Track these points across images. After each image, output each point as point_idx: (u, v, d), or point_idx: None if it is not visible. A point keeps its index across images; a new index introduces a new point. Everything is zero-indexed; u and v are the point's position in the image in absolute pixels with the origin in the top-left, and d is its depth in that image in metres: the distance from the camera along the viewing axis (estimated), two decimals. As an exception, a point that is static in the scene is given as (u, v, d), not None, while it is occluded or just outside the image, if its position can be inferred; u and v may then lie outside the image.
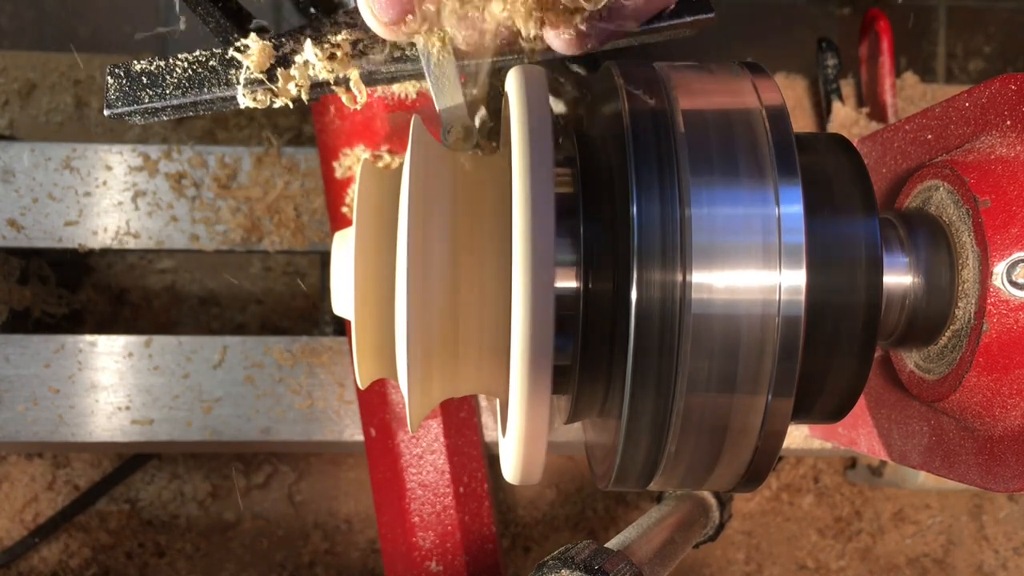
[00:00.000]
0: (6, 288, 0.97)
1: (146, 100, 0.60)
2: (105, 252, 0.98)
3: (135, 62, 0.60)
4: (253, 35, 0.59)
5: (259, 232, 0.94)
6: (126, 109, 0.60)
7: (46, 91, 1.12)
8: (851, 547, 1.17)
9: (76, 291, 1.11)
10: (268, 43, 0.59)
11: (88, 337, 0.91)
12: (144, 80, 0.60)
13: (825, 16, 1.40)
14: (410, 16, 0.51)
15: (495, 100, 0.58)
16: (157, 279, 1.14)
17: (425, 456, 0.85)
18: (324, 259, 1.04)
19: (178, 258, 1.15)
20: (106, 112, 0.60)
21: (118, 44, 1.30)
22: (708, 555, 1.16)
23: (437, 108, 0.57)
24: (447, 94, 0.56)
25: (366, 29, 0.57)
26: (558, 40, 0.51)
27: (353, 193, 0.82)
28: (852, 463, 1.16)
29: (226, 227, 0.93)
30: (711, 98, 0.50)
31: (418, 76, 0.61)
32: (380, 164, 0.82)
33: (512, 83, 0.49)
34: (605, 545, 0.55)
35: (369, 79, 0.61)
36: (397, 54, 0.59)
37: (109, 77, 0.60)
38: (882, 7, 1.07)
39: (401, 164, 0.55)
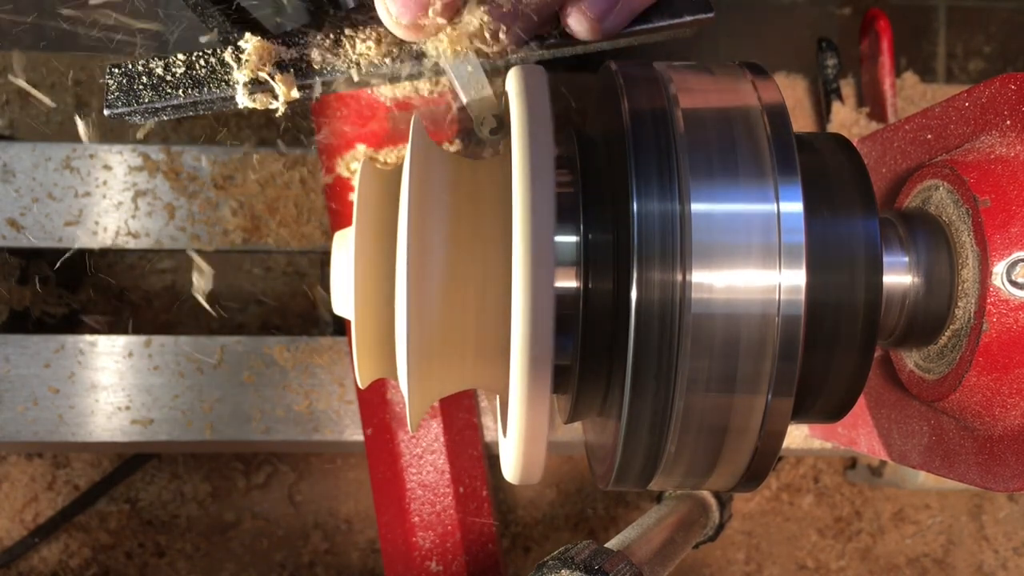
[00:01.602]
0: (6, 288, 0.97)
1: (146, 100, 0.60)
2: (105, 252, 0.98)
3: (135, 62, 0.60)
4: (248, 35, 0.59)
5: (259, 232, 0.94)
6: (126, 109, 0.60)
7: (46, 91, 1.12)
8: (851, 547, 1.17)
9: (76, 291, 1.11)
10: (266, 43, 0.59)
11: (88, 337, 0.91)
12: (144, 80, 0.60)
13: (825, 16, 1.40)
14: (430, 14, 0.51)
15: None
16: (157, 279, 1.14)
17: (425, 456, 0.85)
18: (324, 259, 1.04)
19: (178, 258, 1.15)
20: (106, 112, 0.60)
21: (118, 44, 1.29)
22: (708, 555, 1.16)
23: (464, 101, 0.56)
24: (472, 86, 0.56)
25: (375, 26, 0.57)
26: (579, 23, 0.52)
27: (353, 193, 0.82)
28: (852, 463, 1.16)
29: (226, 227, 0.93)
30: (711, 98, 0.50)
31: (418, 75, 0.61)
32: (379, 164, 0.82)
33: (512, 83, 0.49)
34: (605, 545, 0.55)
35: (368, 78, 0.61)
36: (396, 53, 0.59)
37: (109, 77, 0.60)
38: (882, 7, 1.07)
39: (401, 163, 0.55)
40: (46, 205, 0.92)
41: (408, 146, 0.50)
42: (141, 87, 0.60)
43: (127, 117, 0.60)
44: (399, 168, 0.52)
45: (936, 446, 0.57)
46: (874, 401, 0.65)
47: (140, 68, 0.60)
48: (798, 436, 0.94)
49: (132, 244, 0.93)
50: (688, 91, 0.50)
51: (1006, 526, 1.18)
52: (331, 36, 0.59)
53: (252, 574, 1.11)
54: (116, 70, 0.60)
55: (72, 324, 1.09)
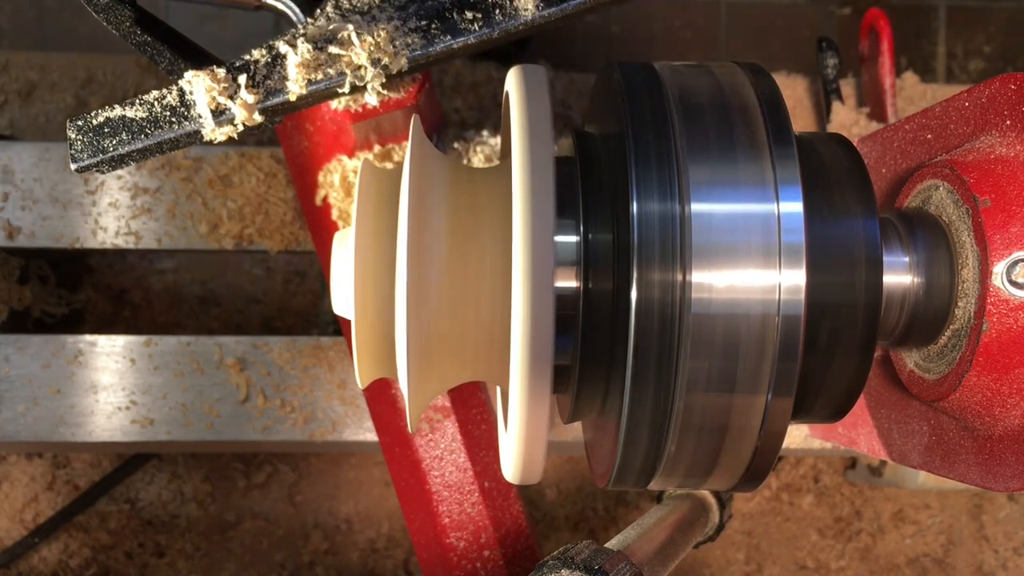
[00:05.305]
0: (6, 288, 0.97)
1: (111, 149, 0.59)
2: (105, 252, 0.98)
3: (95, 113, 0.60)
4: (191, 71, 0.59)
5: (258, 232, 0.94)
6: (92, 161, 0.59)
7: (46, 90, 1.12)
8: (851, 547, 1.17)
9: (76, 291, 1.11)
10: (216, 71, 0.59)
11: (88, 337, 0.91)
12: (106, 129, 0.59)
13: (825, 16, 1.40)
14: None
15: None
16: (157, 279, 1.14)
17: (445, 457, 0.84)
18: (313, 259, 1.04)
19: (178, 258, 1.15)
20: (73, 167, 0.59)
21: (118, 44, 1.29)
22: (708, 555, 1.16)
23: None
24: None
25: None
26: None
27: (332, 207, 0.81)
28: (852, 463, 1.16)
29: (225, 227, 0.93)
30: (711, 98, 0.50)
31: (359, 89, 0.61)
32: (352, 176, 0.81)
33: (512, 83, 0.49)
34: (605, 545, 0.55)
35: (323, 95, 0.61)
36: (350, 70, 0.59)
37: (71, 131, 0.59)
38: (882, 7, 1.07)
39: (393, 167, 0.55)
40: (46, 205, 0.92)
41: (408, 147, 0.50)
42: (104, 137, 0.59)
43: (95, 169, 0.60)
44: (399, 169, 0.52)
45: (936, 446, 0.57)
46: (874, 401, 0.65)
47: (101, 118, 0.60)
48: (798, 436, 0.94)
49: (132, 244, 0.93)
50: (687, 91, 0.50)
51: (1006, 526, 1.18)
52: (283, 56, 0.60)
53: (252, 574, 1.11)
54: (77, 122, 0.59)
55: (72, 324, 1.09)
